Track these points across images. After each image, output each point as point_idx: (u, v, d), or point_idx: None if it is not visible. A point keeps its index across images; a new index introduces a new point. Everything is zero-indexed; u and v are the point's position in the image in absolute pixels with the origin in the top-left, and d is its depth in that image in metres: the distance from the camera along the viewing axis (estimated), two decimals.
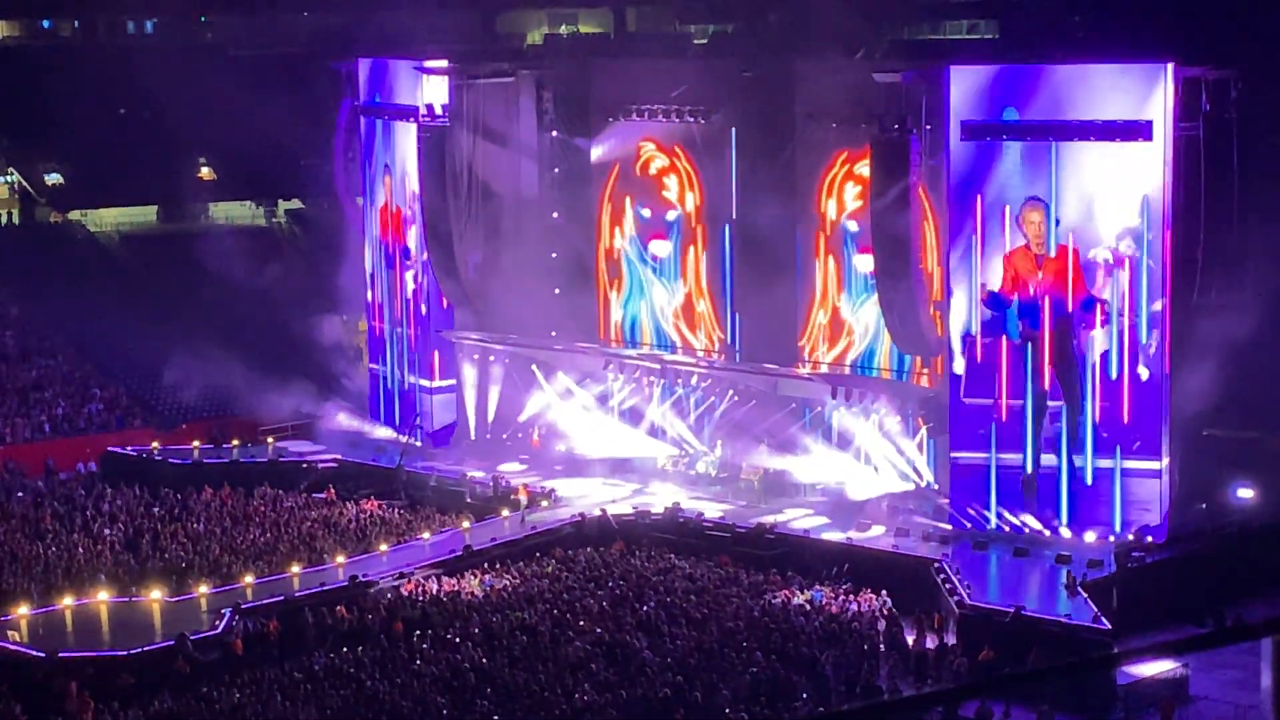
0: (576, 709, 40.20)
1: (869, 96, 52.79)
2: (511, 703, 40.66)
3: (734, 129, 58.32)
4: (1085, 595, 45.43)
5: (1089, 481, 50.57)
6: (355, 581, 48.53)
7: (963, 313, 51.16)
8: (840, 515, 53.44)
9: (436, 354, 63.52)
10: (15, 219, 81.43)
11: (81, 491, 59.34)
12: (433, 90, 61.99)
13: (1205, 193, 50.52)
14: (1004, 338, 50.84)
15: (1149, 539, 49.58)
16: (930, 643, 45.18)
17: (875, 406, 54.19)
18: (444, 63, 62.99)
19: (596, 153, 62.16)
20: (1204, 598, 46.42)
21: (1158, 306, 50.12)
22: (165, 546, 52.40)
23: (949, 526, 51.59)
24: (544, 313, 62.00)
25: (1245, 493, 51.53)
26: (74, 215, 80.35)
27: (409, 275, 64.31)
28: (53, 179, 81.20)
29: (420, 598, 47.98)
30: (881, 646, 44.73)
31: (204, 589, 48.32)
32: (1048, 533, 50.61)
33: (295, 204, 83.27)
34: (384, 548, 51.92)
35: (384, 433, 64.53)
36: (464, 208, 61.42)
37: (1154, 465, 50.39)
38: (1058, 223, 50.26)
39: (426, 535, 53.28)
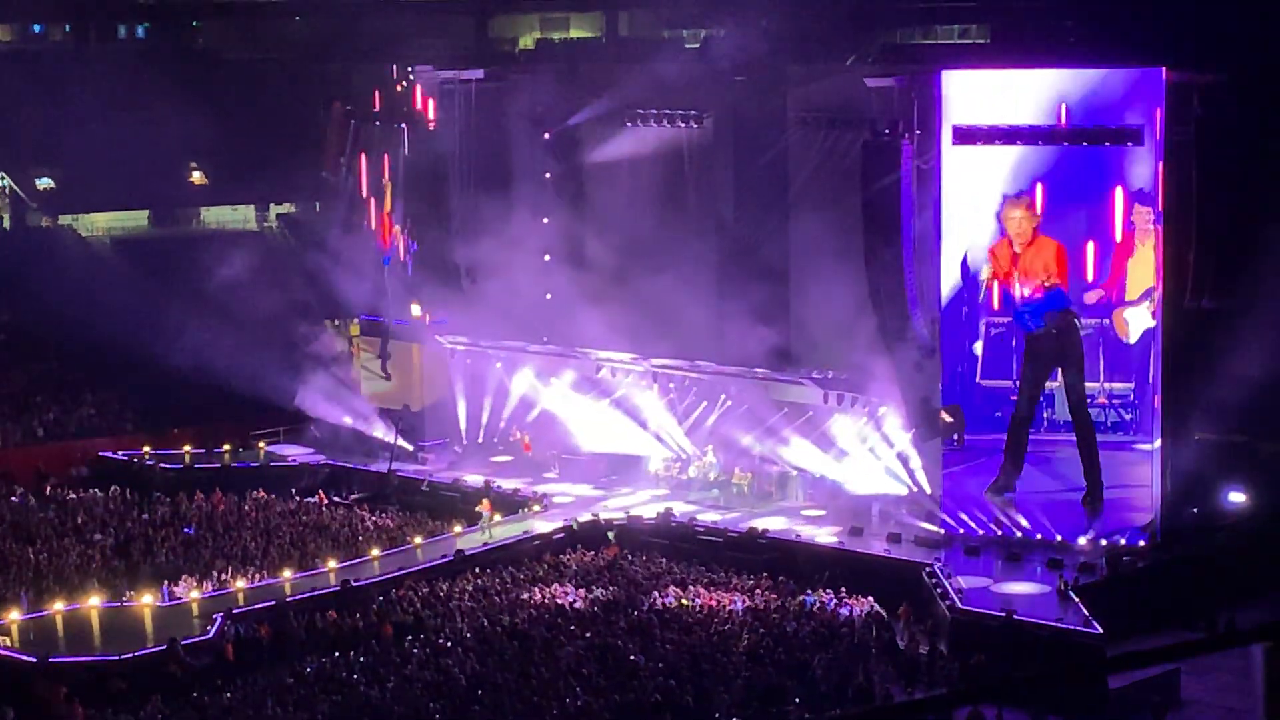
0: (569, 714, 40.17)
1: (861, 101, 52.83)
2: (504, 708, 40.61)
3: (726, 133, 58.31)
4: (1077, 599, 45.43)
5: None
6: (347, 586, 48.51)
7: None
8: (832, 519, 53.52)
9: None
10: (6, 223, 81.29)
11: (73, 496, 59.26)
12: (425, 94, 61.97)
13: (1198, 197, 50.57)
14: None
15: (1141, 543, 49.63)
16: (922, 647, 45.17)
17: (865, 409, 54.19)
18: (435, 67, 63.00)
19: (588, 157, 62.12)
20: (1196, 602, 46.43)
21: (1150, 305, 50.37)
22: (157, 551, 52.36)
23: (941, 530, 51.58)
24: (536, 316, 61.97)
25: (1237, 497, 51.58)
26: (65, 219, 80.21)
27: (400, 278, 64.31)
28: (44, 183, 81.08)
29: (412, 603, 47.91)
30: (873, 651, 44.69)
31: (195, 594, 48.27)
32: (1039, 535, 50.63)
33: (287, 208, 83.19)
34: (376, 553, 51.91)
35: (376, 434, 64.39)
36: (455, 212, 61.40)
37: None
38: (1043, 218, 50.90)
39: (418, 540, 53.26)
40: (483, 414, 63.04)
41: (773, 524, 53.41)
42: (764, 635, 44.69)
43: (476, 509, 55.51)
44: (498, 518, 55.09)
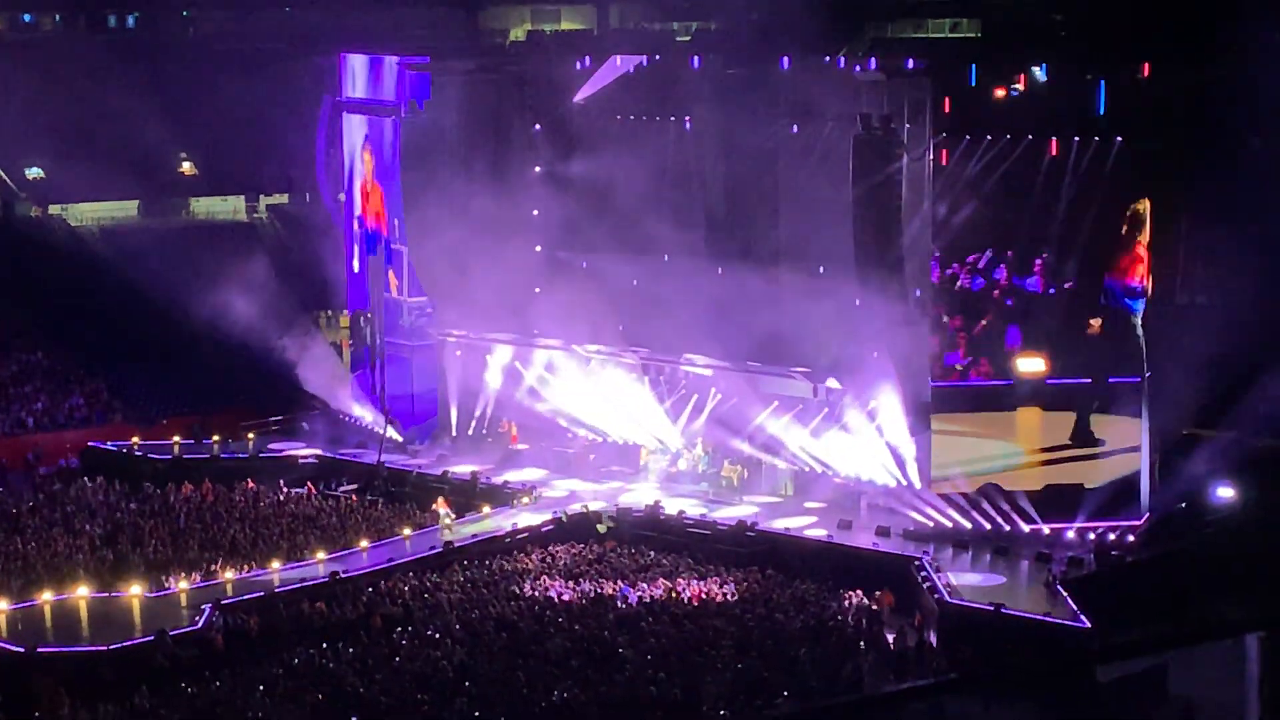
0: (556, 705, 40.19)
1: (852, 95, 52.83)
2: (491, 699, 40.62)
3: (716, 126, 58.27)
4: (1065, 593, 45.51)
5: None
6: (336, 578, 48.50)
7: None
8: (821, 511, 53.59)
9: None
10: None
11: (61, 486, 59.19)
12: (415, 86, 61.90)
13: (1185, 193, 50.68)
14: None
15: (1130, 538, 49.75)
16: (910, 640, 45.21)
17: (855, 402, 54.17)
18: (426, 59, 62.92)
19: (578, 149, 62.02)
20: (1184, 596, 46.53)
21: None
22: (145, 542, 52.30)
23: (930, 524, 51.65)
24: (526, 309, 61.90)
25: (1225, 492, 51.71)
26: (54, 209, 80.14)
27: (389, 270, 64.28)
28: (33, 173, 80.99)
29: (400, 594, 47.90)
30: (862, 644, 44.72)
31: (184, 585, 48.26)
32: (1028, 529, 50.72)
33: (277, 199, 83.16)
34: (364, 544, 51.89)
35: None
36: (445, 204, 61.33)
37: None
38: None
39: (407, 532, 53.24)
40: (474, 406, 63.03)
41: (762, 517, 53.47)
42: (752, 628, 44.73)
43: (434, 508, 54.49)
44: (487, 508, 55.08)
